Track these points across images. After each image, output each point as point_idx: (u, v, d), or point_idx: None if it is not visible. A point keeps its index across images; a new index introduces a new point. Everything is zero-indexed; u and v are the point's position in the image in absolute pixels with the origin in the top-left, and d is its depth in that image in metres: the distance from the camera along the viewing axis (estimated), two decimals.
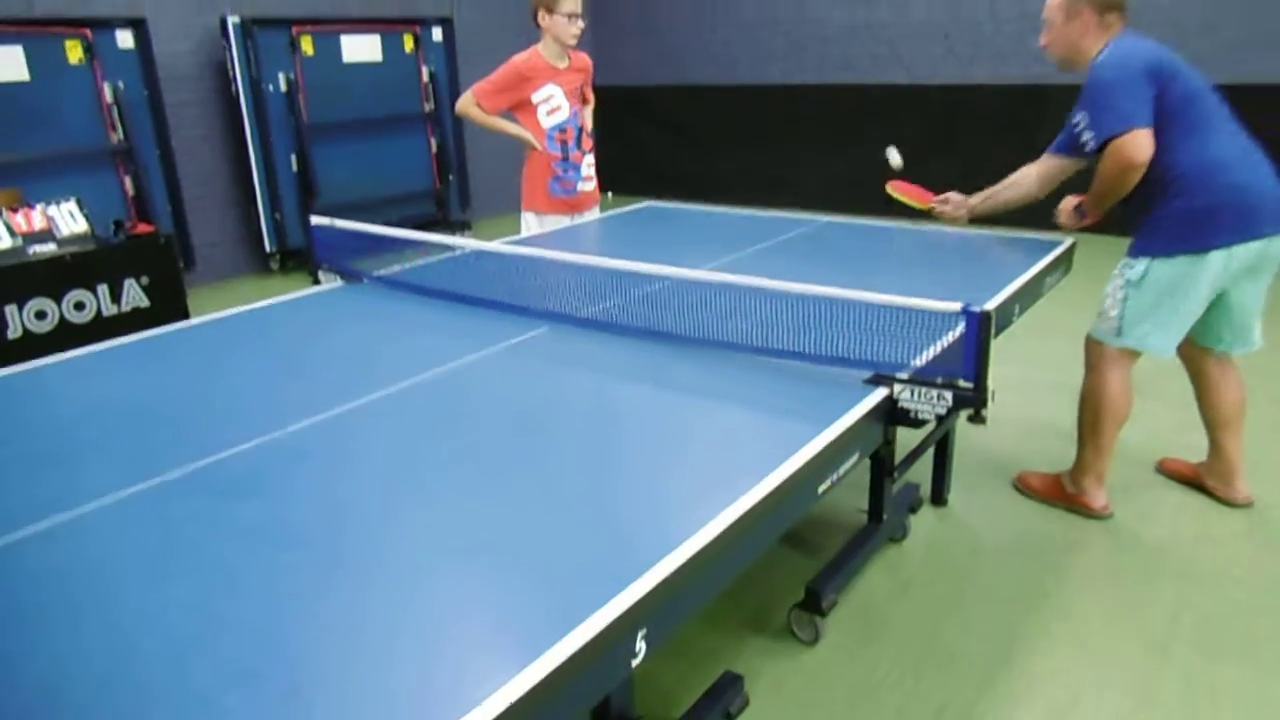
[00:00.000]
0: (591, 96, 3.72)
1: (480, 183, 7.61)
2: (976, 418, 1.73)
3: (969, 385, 1.70)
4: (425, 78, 6.98)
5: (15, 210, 3.62)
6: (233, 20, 5.85)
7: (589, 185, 3.71)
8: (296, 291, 2.65)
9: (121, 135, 5.41)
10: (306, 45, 6.20)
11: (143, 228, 4.13)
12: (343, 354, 2.11)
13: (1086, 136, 2.53)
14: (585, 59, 3.64)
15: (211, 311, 2.49)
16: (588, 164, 3.68)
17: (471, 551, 1.27)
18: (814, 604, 2.22)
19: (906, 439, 2.32)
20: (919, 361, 1.79)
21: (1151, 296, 2.56)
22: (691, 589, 1.23)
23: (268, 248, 6.40)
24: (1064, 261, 2.84)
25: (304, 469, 1.52)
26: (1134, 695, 2.06)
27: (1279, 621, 2.30)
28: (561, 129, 3.53)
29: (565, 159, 3.57)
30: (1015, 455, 3.18)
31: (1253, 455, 2.92)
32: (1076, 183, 2.78)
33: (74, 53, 5.18)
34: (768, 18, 7.88)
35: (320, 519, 1.35)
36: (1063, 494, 2.86)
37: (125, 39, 5.40)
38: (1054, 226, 2.81)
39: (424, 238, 2.69)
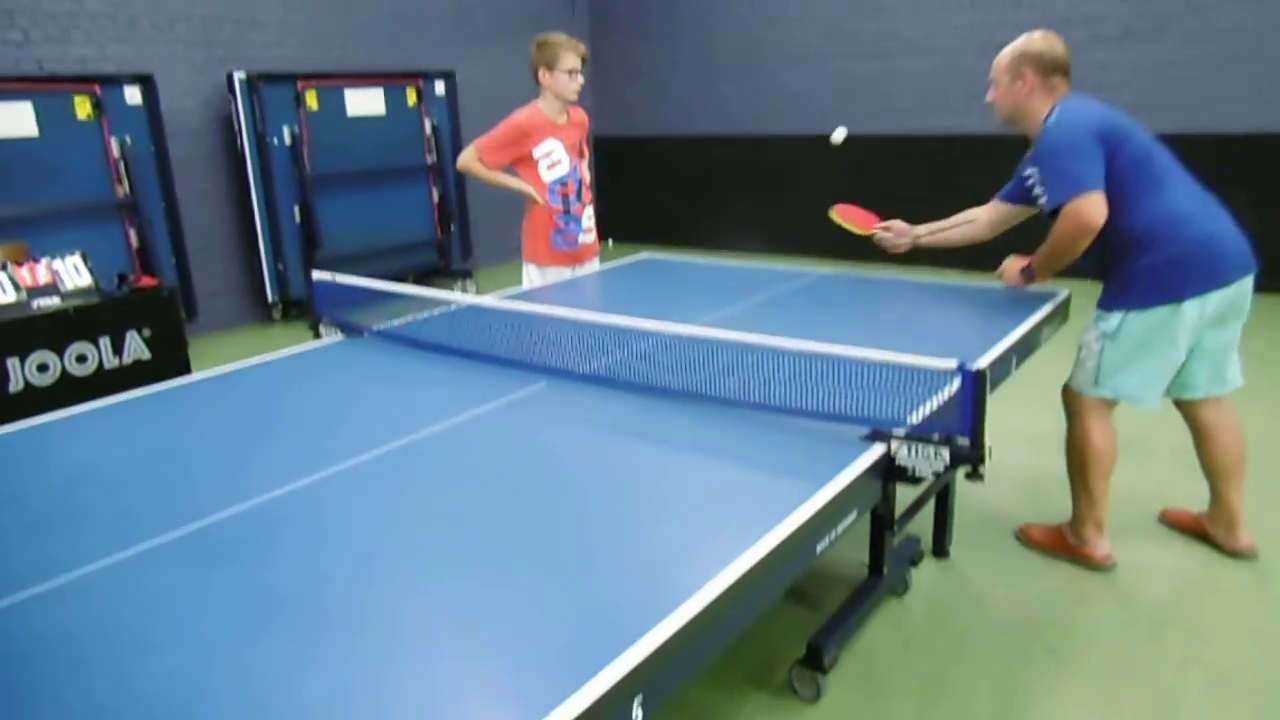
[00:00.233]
0: (586, 150, 3.78)
1: (481, 232, 7.68)
2: (974, 475, 1.73)
3: (966, 442, 1.70)
4: (428, 130, 7.09)
5: (21, 264, 3.65)
6: (239, 76, 5.96)
7: (589, 237, 3.75)
8: (297, 345, 2.66)
9: (128, 189, 5.48)
10: (311, 99, 6.31)
11: (146, 281, 4.15)
12: (341, 411, 2.12)
13: (1041, 199, 2.60)
14: (583, 114, 3.70)
15: (213, 362, 2.51)
16: (588, 215, 3.72)
17: (464, 619, 1.26)
18: (815, 661, 2.19)
19: (907, 491, 2.32)
20: (916, 418, 1.80)
21: (1129, 347, 2.58)
22: (689, 652, 1.22)
23: (270, 297, 6.44)
24: (1060, 312, 2.86)
25: (297, 532, 1.51)
26: None
27: None
28: (562, 182, 3.57)
29: (566, 212, 3.61)
30: (1017, 506, 3.16)
31: (1258, 505, 2.90)
32: (1019, 240, 2.83)
33: (83, 109, 5.28)
34: (764, 70, 8.02)
35: (311, 585, 1.34)
36: (1065, 545, 2.84)
37: (133, 95, 5.50)
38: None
39: (425, 293, 2.72)
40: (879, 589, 2.43)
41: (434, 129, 7.11)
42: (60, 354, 3.60)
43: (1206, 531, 2.88)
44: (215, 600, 1.30)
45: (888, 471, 1.78)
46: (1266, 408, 3.77)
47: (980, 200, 3.03)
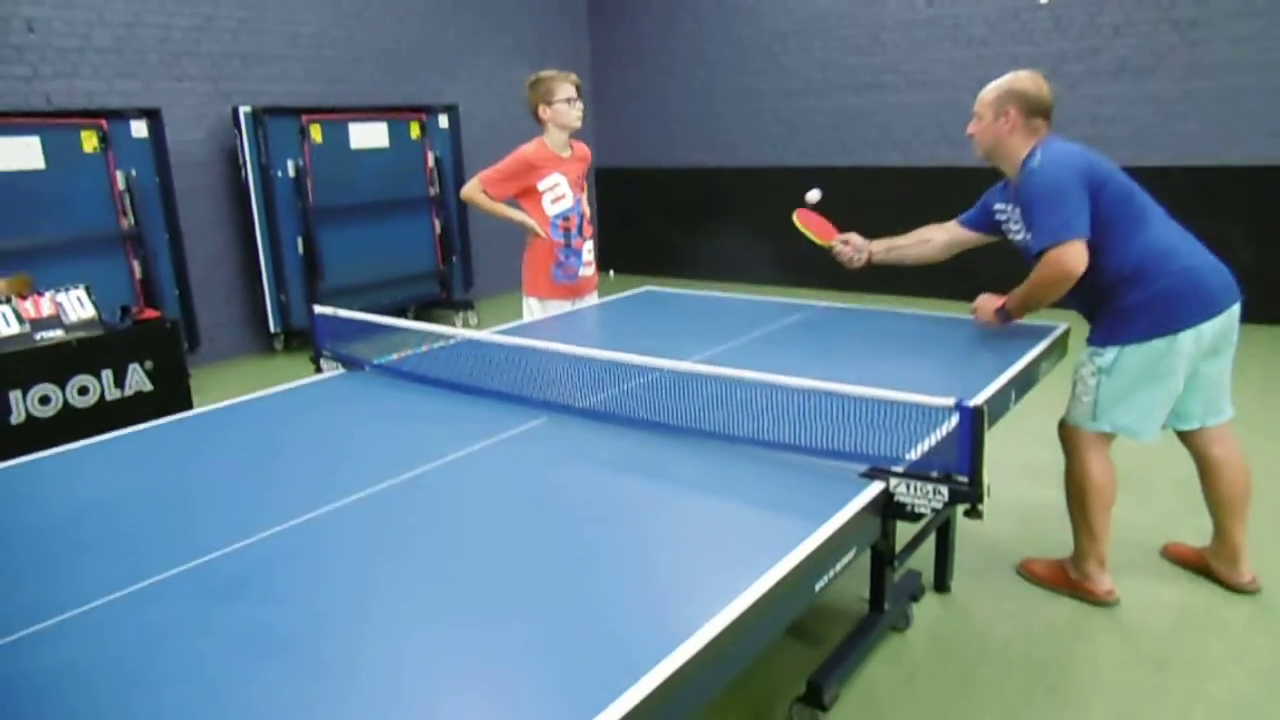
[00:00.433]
0: (586, 185, 3.82)
1: (483, 263, 7.72)
2: (973, 512, 1.73)
3: (964, 480, 1.70)
4: (430, 163, 7.15)
5: (25, 296, 3.67)
6: (244, 110, 6.03)
7: (589, 270, 3.77)
8: (298, 378, 2.67)
9: (132, 221, 5.52)
10: (315, 133, 6.37)
11: (149, 313, 4.17)
12: (341, 447, 2.12)
13: (1019, 237, 2.66)
14: (586, 149, 3.74)
15: (215, 393, 2.52)
16: (588, 249, 3.75)
17: (464, 657, 1.26)
18: (816, 699, 2.17)
19: (907, 526, 2.31)
20: (915, 454, 1.80)
21: (1126, 382, 2.59)
22: (688, 690, 1.21)
23: (272, 328, 6.46)
24: (1059, 346, 2.87)
25: (297, 569, 1.51)
26: None
27: None
28: (565, 216, 3.61)
29: (568, 245, 3.63)
30: (1018, 540, 3.15)
31: (1259, 539, 2.89)
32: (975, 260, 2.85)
33: (89, 142, 5.33)
34: (763, 102, 8.11)
35: (311, 623, 1.34)
36: (1067, 580, 2.83)
37: (140, 129, 5.56)
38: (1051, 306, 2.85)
39: (425, 328, 2.73)
40: (880, 625, 2.42)
41: (437, 161, 7.17)
42: (62, 386, 3.61)
43: (1209, 566, 2.87)
44: (217, 638, 1.30)
45: (886, 509, 1.78)
46: (1266, 440, 3.77)
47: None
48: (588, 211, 3.73)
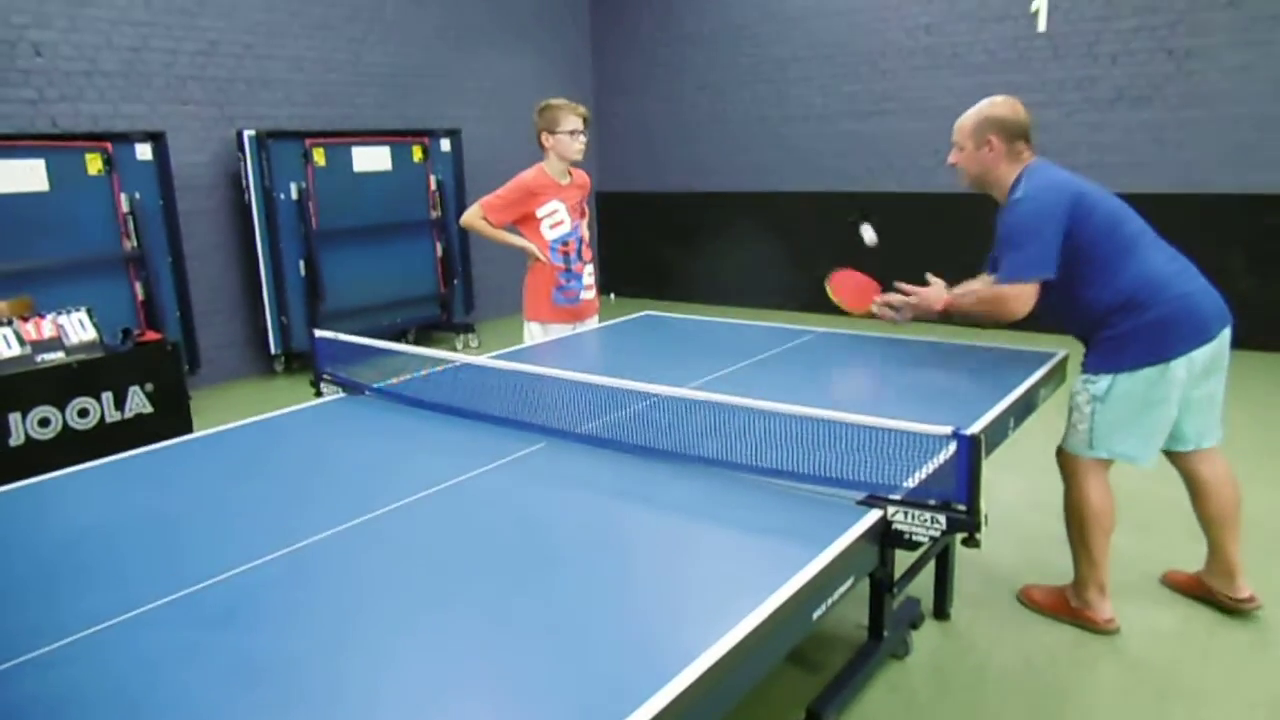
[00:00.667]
0: (586, 210, 3.84)
1: (484, 287, 7.75)
2: (970, 541, 1.73)
3: (962, 508, 1.70)
4: (433, 186, 7.19)
5: (26, 318, 3.69)
6: (249, 134, 6.07)
7: (590, 294, 3.79)
8: (298, 402, 2.68)
9: (135, 243, 5.54)
10: (318, 156, 6.41)
11: (150, 335, 4.18)
12: (339, 472, 2.13)
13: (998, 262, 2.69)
14: (585, 176, 3.77)
15: (215, 415, 2.52)
16: (588, 273, 3.76)
17: (455, 688, 1.25)
18: None
19: (906, 552, 2.31)
20: (912, 482, 1.80)
21: (1120, 409, 2.59)
22: None
23: (273, 350, 6.47)
24: (1057, 372, 2.87)
25: (293, 597, 1.51)
26: None
27: None
28: (564, 241, 3.63)
29: (568, 270, 3.65)
30: (1018, 566, 3.15)
31: (1255, 566, 2.88)
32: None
33: (93, 165, 5.36)
34: (765, 127, 8.17)
35: (309, 651, 1.34)
36: (1067, 608, 2.82)
37: (144, 152, 5.60)
38: (1047, 330, 2.86)
39: (425, 353, 2.74)
40: (879, 652, 2.41)
41: (439, 185, 7.21)
42: (62, 408, 3.61)
43: (1207, 587, 2.86)
44: (212, 667, 1.30)
45: (884, 537, 1.78)
46: (1262, 465, 3.77)
47: (974, 257, 3.05)
48: (586, 236, 3.76)
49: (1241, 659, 2.61)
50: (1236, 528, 2.77)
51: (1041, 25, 6.63)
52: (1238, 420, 2.80)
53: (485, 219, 3.59)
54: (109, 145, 5.41)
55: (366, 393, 2.72)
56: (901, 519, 1.75)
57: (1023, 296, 2.56)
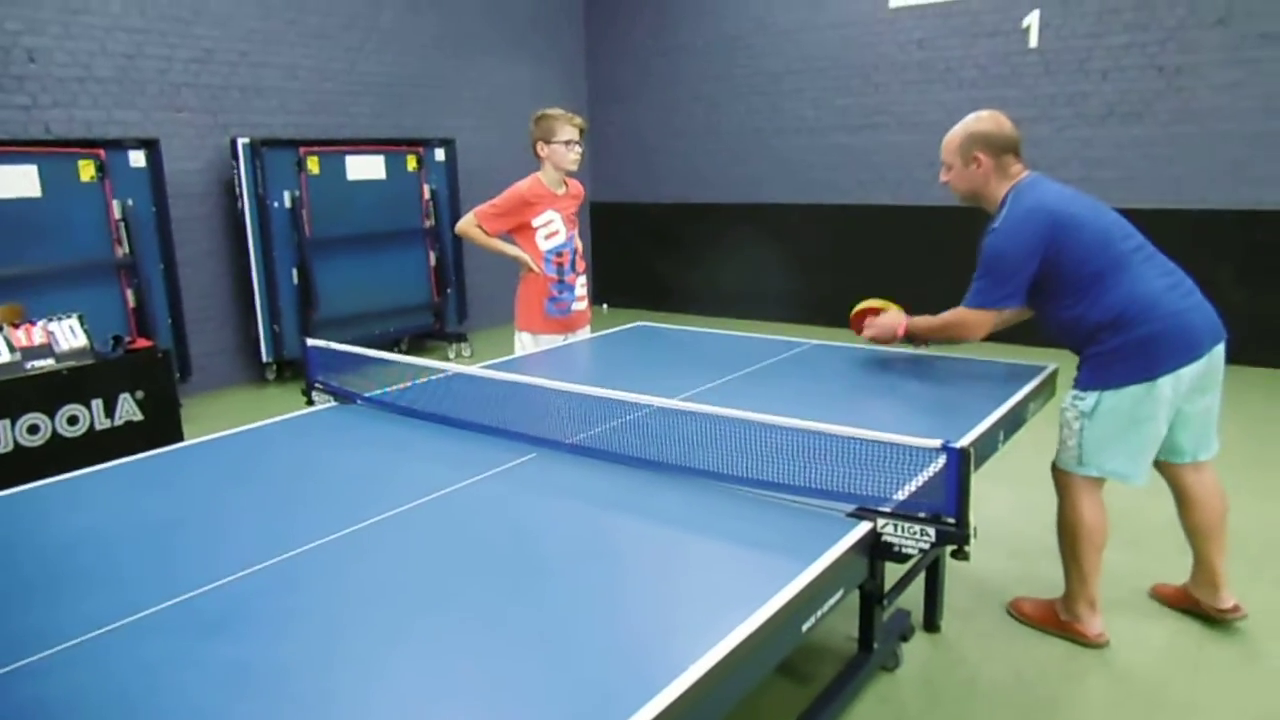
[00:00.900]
0: (577, 220, 3.85)
1: (477, 296, 7.75)
2: (960, 554, 1.73)
3: (951, 521, 1.71)
4: (426, 195, 7.20)
5: (17, 325, 3.67)
6: (242, 141, 6.07)
7: (582, 304, 3.79)
8: (289, 411, 2.67)
9: (127, 250, 5.53)
10: (312, 164, 6.42)
11: (141, 342, 4.17)
12: (328, 482, 2.12)
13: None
14: (579, 186, 3.78)
15: (206, 423, 2.51)
16: (581, 284, 3.77)
17: (444, 700, 1.25)
18: None
19: (896, 564, 2.31)
20: (902, 494, 1.80)
21: (1107, 426, 2.60)
22: None
23: (264, 358, 6.46)
24: (1047, 386, 2.88)
25: (285, 605, 1.50)
26: None
27: None
28: (558, 252, 3.63)
29: (561, 280, 3.66)
30: (1009, 578, 3.15)
31: (1242, 580, 2.89)
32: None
33: (86, 171, 5.36)
34: (757, 139, 8.21)
35: (301, 659, 1.33)
36: (1057, 621, 2.82)
37: (137, 159, 5.59)
38: (1037, 343, 2.88)
39: (417, 362, 2.74)
40: (869, 665, 2.41)
41: (432, 194, 7.22)
42: (51, 415, 3.60)
43: (1193, 598, 2.87)
44: (202, 676, 1.29)
45: (874, 549, 1.78)
46: (1245, 479, 3.79)
47: (967, 269, 3.06)
48: (580, 247, 3.77)
49: (1231, 672, 2.62)
50: (1222, 539, 2.78)
51: (1033, 41, 6.69)
52: (1225, 433, 2.81)
53: (480, 227, 3.60)
54: (102, 152, 5.40)
55: (358, 402, 2.72)
56: (891, 531, 1.75)
57: (983, 323, 2.68)
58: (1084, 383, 2.65)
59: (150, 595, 1.52)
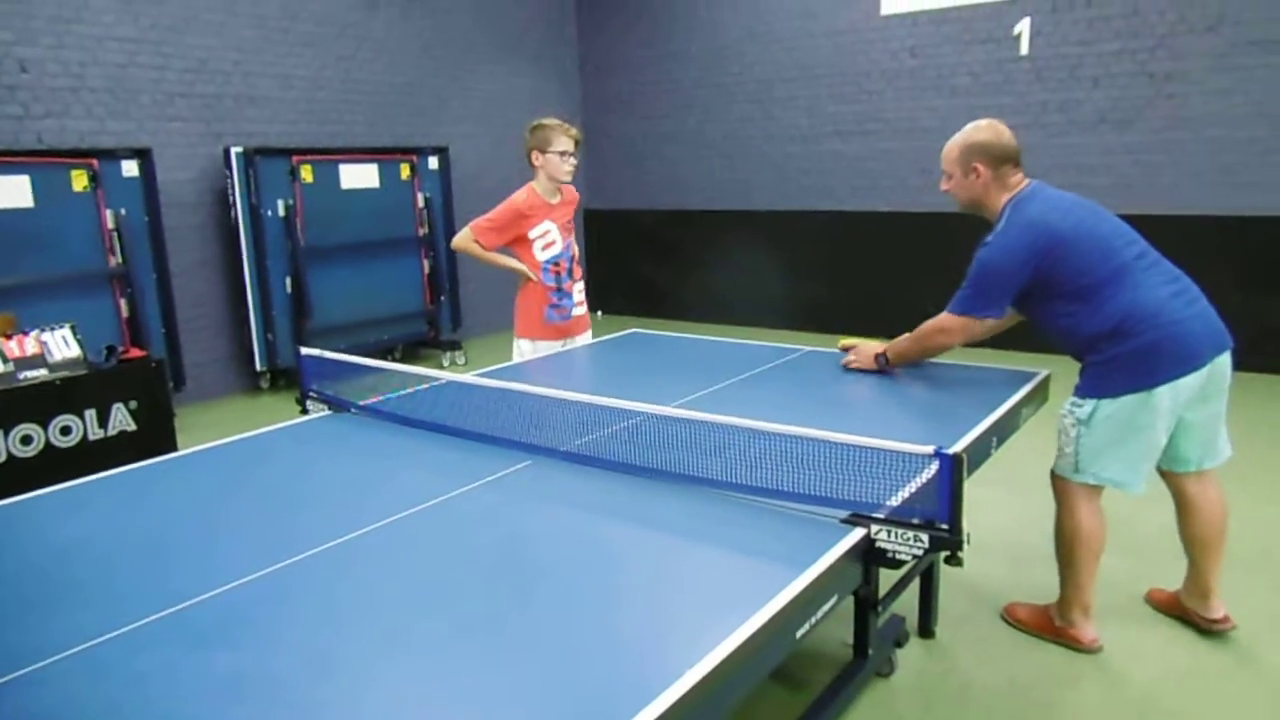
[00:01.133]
0: (573, 227, 3.86)
1: (471, 304, 7.75)
2: (953, 559, 1.74)
3: (945, 527, 1.71)
4: (420, 203, 7.20)
5: (9, 336, 3.66)
6: (236, 150, 6.07)
7: (581, 310, 3.80)
8: (284, 419, 2.67)
9: (120, 259, 5.52)
10: (306, 173, 6.42)
11: (134, 352, 4.16)
12: (323, 491, 2.12)
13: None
14: (573, 192, 3.79)
15: (200, 432, 2.51)
16: (579, 290, 3.78)
17: (438, 708, 1.25)
18: None
19: (891, 571, 2.31)
20: (896, 500, 1.81)
21: (1105, 434, 2.60)
22: None
23: (258, 366, 6.45)
24: (1040, 392, 2.89)
25: (279, 614, 1.50)
26: None
27: None
28: (556, 261, 3.64)
29: (559, 289, 3.67)
30: (1003, 583, 3.16)
31: (1239, 588, 2.90)
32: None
33: (79, 181, 5.35)
34: (750, 147, 8.23)
35: (295, 669, 1.33)
36: (1051, 627, 2.83)
37: (130, 168, 5.59)
38: (1030, 349, 2.89)
39: (413, 370, 2.74)
40: (864, 671, 2.40)
41: (426, 202, 7.22)
42: (44, 426, 3.59)
43: (1184, 606, 2.88)
44: (197, 686, 1.29)
45: (868, 555, 1.79)
46: (1246, 487, 3.80)
47: (962, 275, 3.07)
48: (577, 253, 3.78)
49: (1225, 679, 2.62)
50: (1219, 551, 2.78)
51: (1024, 49, 6.72)
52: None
53: (477, 242, 3.60)
54: (95, 162, 5.40)
55: (353, 410, 2.71)
56: (885, 537, 1.76)
57: (962, 329, 2.71)
58: (1082, 390, 2.66)
59: (144, 605, 1.52)
